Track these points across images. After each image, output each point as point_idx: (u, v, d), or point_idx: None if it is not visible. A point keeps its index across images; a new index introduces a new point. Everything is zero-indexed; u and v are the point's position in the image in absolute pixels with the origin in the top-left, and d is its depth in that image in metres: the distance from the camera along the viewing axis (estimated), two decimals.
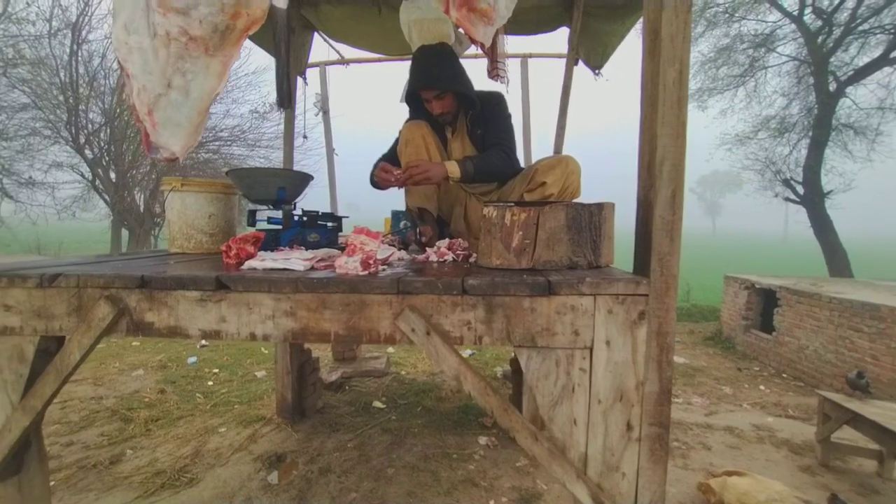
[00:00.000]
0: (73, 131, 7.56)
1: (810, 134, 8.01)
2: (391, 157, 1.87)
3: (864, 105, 7.88)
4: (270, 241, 1.52)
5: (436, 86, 1.68)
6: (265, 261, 1.16)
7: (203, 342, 4.68)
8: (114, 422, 2.86)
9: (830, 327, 3.86)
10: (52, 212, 8.09)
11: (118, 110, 7.73)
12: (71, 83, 7.49)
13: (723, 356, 4.78)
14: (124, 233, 8.43)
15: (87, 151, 7.81)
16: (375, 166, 1.75)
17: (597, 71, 2.62)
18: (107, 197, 8.02)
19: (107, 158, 7.95)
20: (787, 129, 8.48)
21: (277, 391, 2.80)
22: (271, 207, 1.64)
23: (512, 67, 3.30)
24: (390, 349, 4.45)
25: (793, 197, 8.43)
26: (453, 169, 1.60)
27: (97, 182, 7.97)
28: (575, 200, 1.74)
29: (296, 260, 1.17)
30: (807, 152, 8.03)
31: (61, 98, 7.49)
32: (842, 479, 2.32)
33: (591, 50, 2.59)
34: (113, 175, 8.06)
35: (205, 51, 1.01)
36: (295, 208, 1.75)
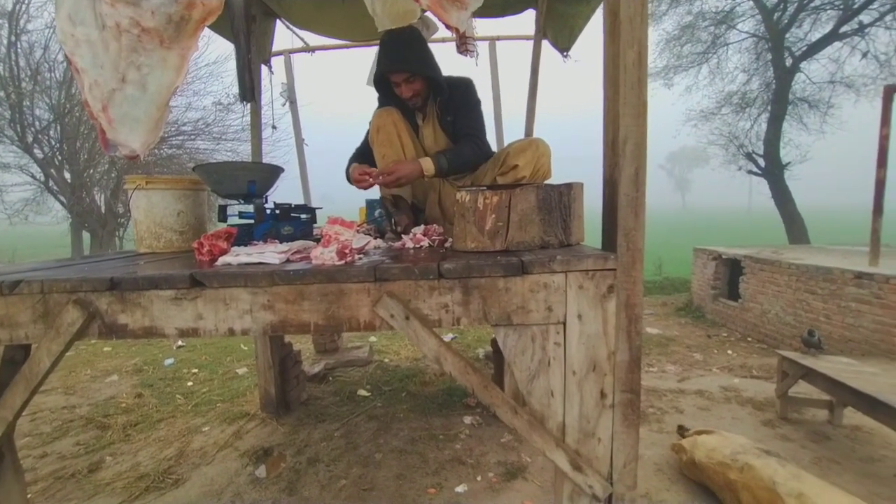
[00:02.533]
0: (19, 129, 7.10)
1: (769, 108, 8.32)
2: (365, 149, 1.85)
3: (817, 79, 8.23)
4: (243, 236, 1.50)
5: (405, 69, 1.67)
6: (239, 256, 1.15)
7: (180, 343, 4.58)
8: (89, 430, 2.79)
9: (789, 291, 4.09)
10: (2, 216, 7.62)
11: (68, 106, 7.29)
12: (12, 78, 7.01)
13: (694, 325, 5.01)
14: (85, 235, 8.05)
15: (37, 151, 7.36)
16: (350, 163, 1.74)
17: (565, 53, 2.64)
18: (63, 198, 7.62)
19: (59, 158, 7.52)
20: (748, 104, 8.77)
21: (260, 386, 2.78)
22: (242, 202, 1.61)
23: (480, 51, 3.29)
24: (372, 338, 4.46)
25: (755, 170, 8.77)
26: (428, 166, 1.61)
27: (50, 183, 7.56)
28: (546, 181, 1.78)
29: (270, 253, 1.16)
30: (766, 126, 8.35)
31: (2, 94, 7.01)
32: (798, 428, 2.50)
33: (558, 32, 2.61)
34: (68, 175, 7.65)
35: (160, 43, 0.97)
36: (267, 202, 1.72)
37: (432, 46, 2.73)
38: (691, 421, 2.60)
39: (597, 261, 1.00)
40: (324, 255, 1.09)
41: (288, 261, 1.18)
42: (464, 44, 2.54)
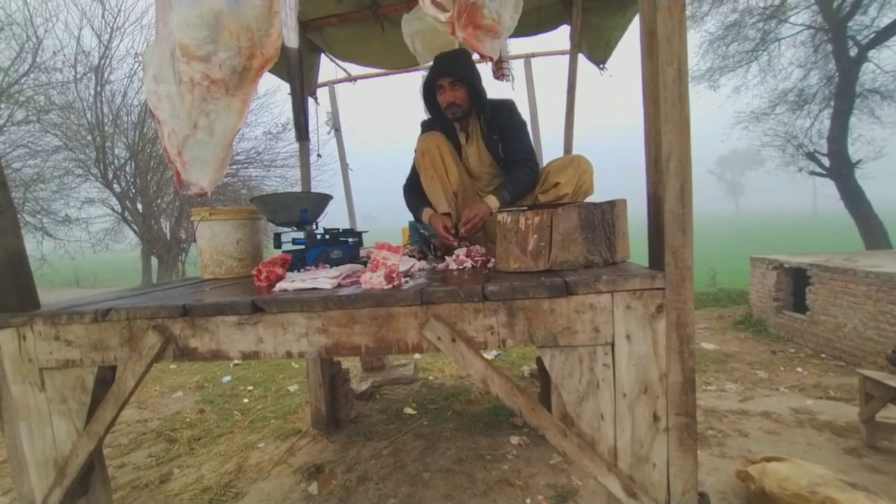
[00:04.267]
0: (102, 168, 7.94)
1: (832, 104, 7.73)
2: (415, 177, 1.92)
3: (890, 68, 7.57)
4: (297, 262, 1.60)
5: (452, 72, 1.75)
6: (294, 282, 1.23)
7: (236, 361, 4.84)
8: (160, 443, 3.00)
9: (869, 303, 3.73)
10: (88, 245, 8.49)
11: (140, 144, 8.08)
12: (97, 123, 7.88)
13: (755, 340, 4.67)
14: (153, 260, 8.78)
15: (115, 186, 8.19)
16: (406, 194, 1.84)
17: (601, 66, 2.63)
18: (135, 227, 8.38)
19: (133, 191, 8.31)
20: (806, 100, 8.21)
21: (311, 404, 2.88)
22: (294, 229, 1.72)
23: (516, 69, 3.33)
24: (417, 356, 4.51)
25: (819, 170, 8.15)
26: (493, 203, 1.68)
27: (126, 213, 8.35)
28: (589, 198, 1.77)
29: (323, 279, 1.23)
30: (830, 123, 7.75)
31: (89, 138, 7.89)
32: (890, 459, 2.25)
33: (593, 45, 2.61)
34: (140, 206, 8.42)
35: (225, 91, 1.09)
36: (317, 227, 1.83)
37: None
38: (758, 446, 2.41)
39: (644, 280, 0.98)
40: (373, 280, 1.14)
41: (339, 285, 1.25)
42: (500, 69, 2.59)
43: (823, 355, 4.12)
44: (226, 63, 1.05)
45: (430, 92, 1.87)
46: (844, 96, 7.45)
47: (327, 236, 1.77)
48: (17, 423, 1.21)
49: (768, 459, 1.95)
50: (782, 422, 2.69)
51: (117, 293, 1.53)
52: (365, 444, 2.71)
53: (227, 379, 4.25)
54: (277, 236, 1.71)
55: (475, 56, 2.72)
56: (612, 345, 1.00)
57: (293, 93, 1.03)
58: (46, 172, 7.73)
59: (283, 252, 1.64)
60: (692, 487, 0.99)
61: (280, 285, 1.23)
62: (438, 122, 1.85)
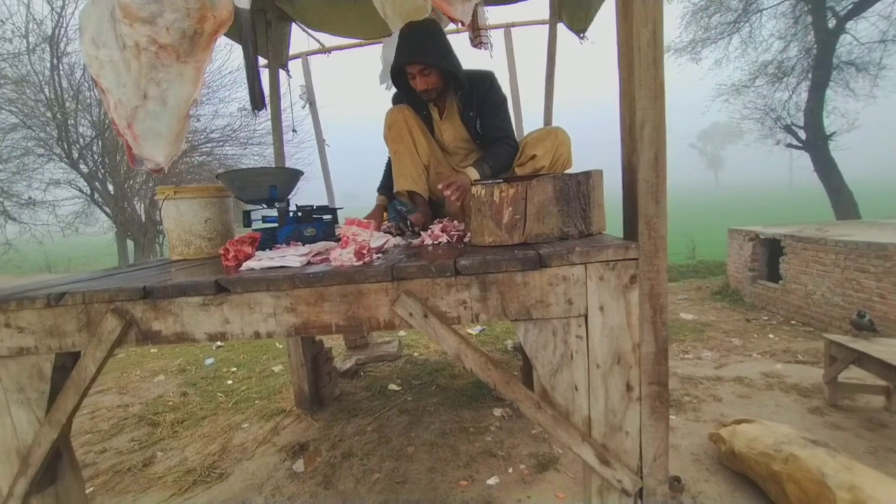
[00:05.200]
0: (66, 147, 7.55)
1: (810, 76, 7.79)
2: (390, 176, 1.86)
3: (866, 39, 7.62)
4: (267, 240, 1.54)
5: (421, 60, 1.65)
6: (262, 260, 1.18)
7: (219, 343, 4.79)
8: (142, 427, 2.96)
9: (837, 271, 3.86)
10: (56, 229, 8.16)
11: (107, 121, 7.68)
12: (56, 98, 7.44)
13: (731, 309, 4.81)
14: (130, 243, 8.52)
15: (82, 166, 7.82)
16: (385, 172, 1.76)
17: (581, 35, 2.56)
18: (107, 210, 8.07)
19: (102, 171, 7.96)
20: (785, 73, 8.24)
21: (294, 383, 2.87)
22: (265, 207, 1.65)
23: (496, 40, 3.23)
24: (402, 332, 4.52)
25: (795, 143, 8.27)
26: (473, 174, 1.62)
27: (96, 196, 8.02)
28: (568, 171, 1.74)
29: (291, 256, 1.19)
30: (807, 95, 7.82)
31: (49, 115, 7.46)
32: (850, 416, 2.37)
33: (573, 13, 2.53)
34: (111, 187, 8.09)
35: (176, 58, 1.01)
36: (289, 205, 1.76)
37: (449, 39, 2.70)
38: (730, 409, 2.50)
39: (617, 251, 0.97)
40: (342, 257, 1.11)
41: (309, 263, 1.21)
42: (477, 36, 2.50)
43: (794, 322, 4.27)
44: (174, 26, 0.97)
45: (399, 73, 1.78)
46: (822, 68, 7.50)
47: (299, 213, 1.71)
48: None
49: (738, 422, 2.03)
50: (753, 386, 2.80)
51: (74, 277, 1.46)
52: (349, 421, 2.73)
53: (209, 361, 4.20)
54: (247, 214, 1.65)
55: (450, 25, 2.63)
56: (586, 316, 1.00)
57: (246, 58, 0.96)
58: (4, 152, 7.32)
59: (253, 230, 1.58)
60: (663, 453, 1.01)
61: (247, 264, 1.18)
62: (409, 98, 1.77)
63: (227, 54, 8.73)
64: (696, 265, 7.11)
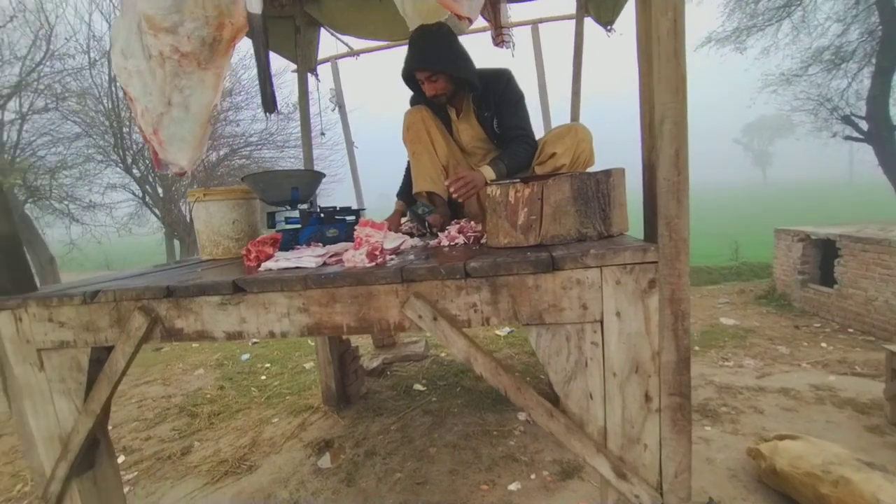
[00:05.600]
0: (121, 153, 8.10)
1: (874, 61, 7.15)
2: (409, 182, 1.87)
3: None
4: (290, 241, 1.58)
5: (426, 67, 1.65)
6: (279, 261, 1.21)
7: (255, 339, 4.98)
8: (182, 417, 3.12)
9: None
10: (112, 230, 8.76)
11: None
12: (113, 108, 7.99)
13: (777, 314, 4.50)
14: (177, 242, 9.02)
15: (135, 170, 8.35)
16: (405, 176, 1.77)
17: (609, 27, 2.47)
18: (157, 211, 8.58)
19: (152, 175, 8.47)
20: (844, 58, 7.60)
21: (321, 381, 2.94)
22: (288, 208, 1.69)
23: (523, 36, 3.18)
24: (428, 333, 4.53)
25: (855, 135, 7.63)
26: (489, 173, 1.60)
27: (147, 198, 8.54)
28: (590, 169, 1.68)
29: (308, 257, 1.21)
30: (870, 82, 7.19)
31: (107, 124, 8.02)
32: None
33: (600, 5, 2.44)
34: (160, 190, 8.60)
35: (197, 65, 1.05)
36: (313, 206, 1.80)
37: (471, 36, 2.69)
38: (773, 423, 2.34)
39: (635, 253, 0.92)
40: (355, 258, 1.11)
41: (325, 264, 1.22)
42: (500, 35, 2.46)
43: (851, 330, 3.94)
44: (194, 34, 1.01)
45: (411, 77, 1.77)
46: (888, 52, 6.86)
47: (322, 214, 1.74)
48: (22, 402, 1.25)
49: (781, 437, 1.89)
50: (801, 398, 2.60)
51: (115, 275, 1.55)
52: (374, 419, 2.76)
53: (245, 357, 4.38)
54: (271, 216, 1.69)
55: (474, 24, 2.60)
56: (601, 322, 0.95)
57: (258, 62, 0.98)
58: (69, 159, 7.94)
59: (276, 231, 1.62)
60: (685, 469, 0.95)
61: (265, 265, 1.21)
62: (426, 99, 1.76)
63: None
64: (738, 267, 6.71)
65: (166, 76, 1.05)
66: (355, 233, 1.18)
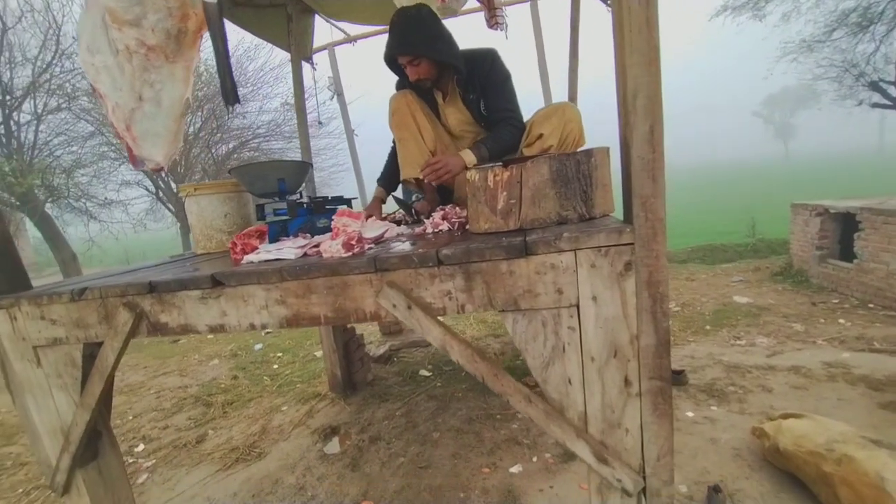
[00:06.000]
0: None
1: None
2: (392, 167, 1.83)
3: None
4: (278, 232, 1.58)
5: (407, 52, 1.60)
6: (260, 253, 1.21)
7: (267, 330, 5.08)
8: (198, 407, 3.22)
9: None
10: (129, 226, 8.98)
11: None
12: None
13: (794, 291, 4.38)
14: (191, 236, 9.21)
15: None
16: (387, 162, 1.74)
17: (608, 2, 2.36)
18: (170, 206, 8.74)
19: (165, 170, 8.62)
20: (871, 20, 7.19)
21: (327, 369, 2.98)
22: (277, 199, 1.69)
23: (522, 14, 3.08)
24: (404, 321, 4.54)
25: (884, 101, 7.26)
26: (469, 158, 1.57)
27: (160, 193, 8.70)
28: (581, 148, 1.63)
29: (288, 249, 1.21)
30: None
31: None
32: None
33: None
34: (173, 185, 8.74)
35: (165, 58, 1.04)
36: (301, 196, 1.80)
37: (465, 18, 2.61)
38: (781, 402, 2.29)
39: (609, 235, 0.89)
40: (332, 248, 1.11)
41: (305, 255, 1.22)
42: (493, 16, 2.38)
43: (871, 305, 3.81)
44: (158, 26, 1.00)
45: (393, 60, 1.73)
46: None
47: (311, 205, 1.74)
48: (24, 397, 1.30)
49: (785, 416, 1.85)
50: (812, 376, 2.54)
51: (102, 272, 1.58)
52: (379, 405, 2.80)
53: (258, 347, 4.47)
54: (260, 207, 1.69)
55: (466, 5, 2.52)
56: (578, 306, 0.93)
57: (216, 52, 0.97)
58: (84, 158, 8.11)
59: (265, 223, 1.62)
60: (667, 452, 0.94)
61: (247, 257, 1.22)
62: (411, 83, 1.72)
63: (269, 51, 9.03)
64: (755, 244, 6.52)
65: (135, 71, 1.04)
66: (332, 223, 1.17)
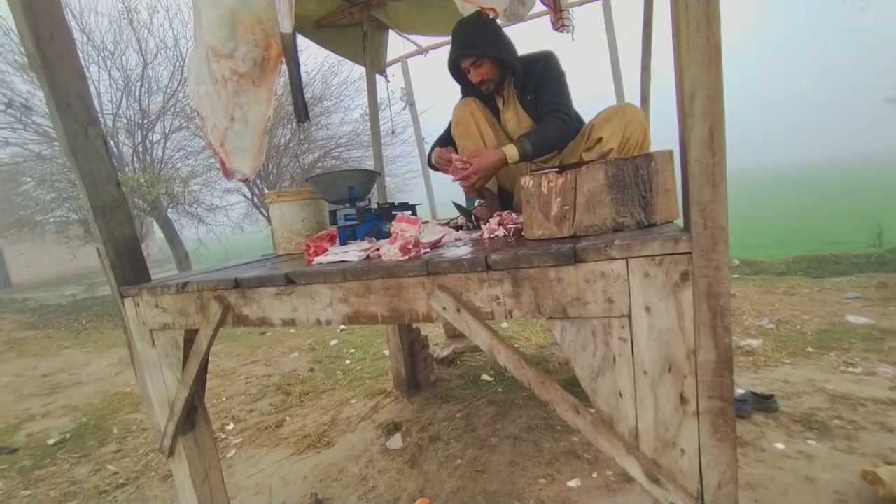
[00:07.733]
0: None
1: None
2: (446, 137, 1.89)
3: None
4: (347, 236, 1.71)
5: (469, 53, 1.65)
6: (328, 255, 1.33)
7: (342, 326, 5.43)
8: (278, 394, 3.55)
9: None
10: (229, 229, 10.13)
11: None
12: None
13: None
14: None
15: None
16: (432, 149, 1.80)
17: None
18: (264, 211, 9.70)
19: (259, 178, 9.59)
20: None
21: (393, 367, 3.12)
22: (348, 206, 1.83)
23: (591, 14, 3.00)
24: (504, 324, 4.53)
25: None
26: (511, 152, 1.57)
27: (254, 199, 9.69)
28: (645, 151, 1.55)
29: (353, 252, 1.31)
30: None
31: None
32: None
33: None
34: (266, 191, 9.71)
35: (252, 83, 1.19)
36: (370, 203, 1.92)
37: (532, 22, 2.61)
38: None
39: (664, 244, 0.85)
40: (390, 252, 1.18)
41: (368, 258, 1.31)
42: (559, 19, 2.34)
43: None
44: (247, 56, 1.15)
45: (456, 68, 1.78)
46: None
47: (378, 211, 1.85)
48: (143, 372, 1.55)
49: None
50: None
51: (205, 269, 1.81)
52: (441, 406, 2.86)
53: (334, 342, 4.80)
54: (332, 213, 1.84)
55: (533, 9, 2.51)
56: (629, 317, 0.89)
57: (290, 75, 1.09)
58: (198, 169, 9.34)
59: (336, 228, 1.76)
60: (730, 480, 0.86)
61: (317, 259, 1.34)
62: (473, 90, 1.76)
63: (350, 67, 9.65)
64: (881, 255, 5.58)
65: (228, 95, 1.21)
66: (391, 228, 1.24)
